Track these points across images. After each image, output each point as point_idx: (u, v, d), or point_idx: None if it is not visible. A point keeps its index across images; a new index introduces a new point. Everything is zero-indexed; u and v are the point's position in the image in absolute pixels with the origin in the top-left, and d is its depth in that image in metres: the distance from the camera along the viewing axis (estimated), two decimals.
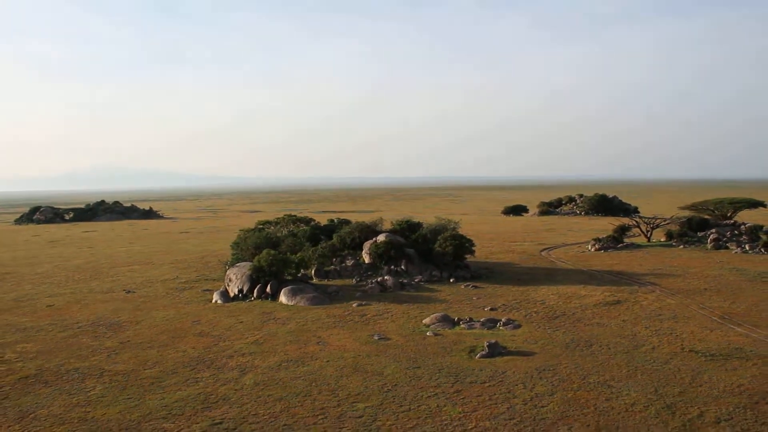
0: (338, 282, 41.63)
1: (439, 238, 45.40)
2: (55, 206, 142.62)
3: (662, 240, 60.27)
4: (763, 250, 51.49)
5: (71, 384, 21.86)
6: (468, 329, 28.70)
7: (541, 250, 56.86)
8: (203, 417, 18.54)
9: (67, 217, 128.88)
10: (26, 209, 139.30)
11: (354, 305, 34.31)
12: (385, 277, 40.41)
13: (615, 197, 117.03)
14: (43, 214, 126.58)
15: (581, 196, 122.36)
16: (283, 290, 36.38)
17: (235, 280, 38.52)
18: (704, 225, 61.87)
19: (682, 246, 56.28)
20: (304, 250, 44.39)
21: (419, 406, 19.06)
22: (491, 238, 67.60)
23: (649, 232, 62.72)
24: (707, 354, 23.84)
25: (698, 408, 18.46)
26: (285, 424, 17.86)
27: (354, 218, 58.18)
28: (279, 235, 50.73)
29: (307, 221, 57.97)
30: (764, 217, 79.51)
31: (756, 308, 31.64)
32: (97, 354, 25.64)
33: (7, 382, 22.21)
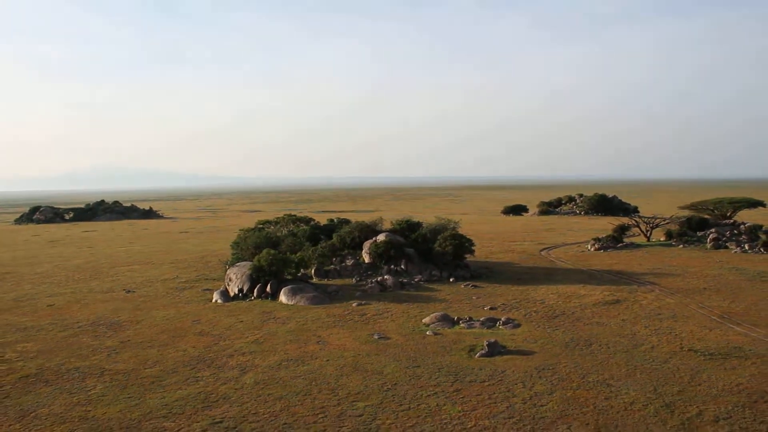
0: (338, 281, 41.69)
1: (438, 237, 45.46)
2: (55, 206, 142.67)
3: (662, 239, 60.33)
4: (762, 249, 51.55)
5: (72, 383, 21.91)
6: (467, 328, 28.76)
7: (541, 250, 56.92)
8: (203, 416, 18.60)
9: (66, 216, 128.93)
10: (26, 209, 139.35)
11: (354, 305, 34.36)
12: (385, 277, 40.47)
13: (615, 197, 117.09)
14: (42, 213, 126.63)
15: (581, 195, 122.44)
16: (283, 290, 36.43)
17: (235, 279, 38.57)
18: (704, 224, 61.93)
19: (681, 245, 56.33)
20: (304, 249, 44.45)
21: (419, 405, 19.11)
22: (491, 238, 67.66)
23: (649, 232, 62.79)
24: (706, 353, 23.90)
25: (697, 407, 18.51)
26: (285, 423, 17.91)
27: (354, 218, 58.24)
28: (279, 234, 50.77)
29: (306, 221, 58.03)
30: (764, 216, 79.58)
31: (755, 307, 31.70)
32: (98, 353, 25.69)
33: (8, 381, 22.26)
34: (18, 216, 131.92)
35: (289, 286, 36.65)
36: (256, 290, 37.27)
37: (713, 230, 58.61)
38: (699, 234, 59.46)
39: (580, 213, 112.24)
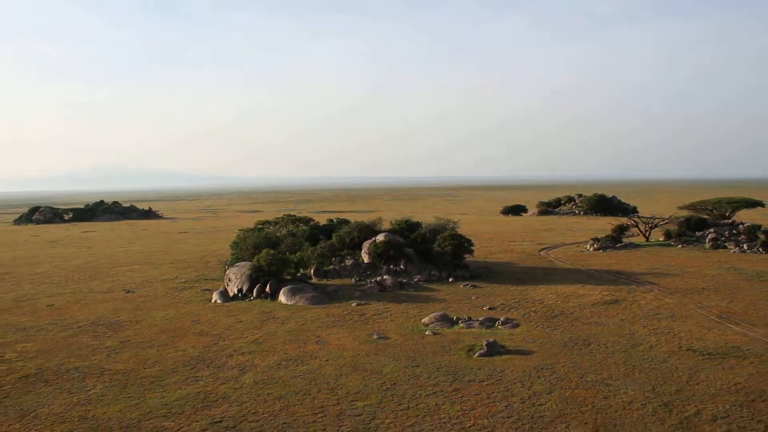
0: (337, 281, 41.74)
1: (438, 237, 45.53)
2: (55, 207, 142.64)
3: (661, 240, 60.41)
4: (761, 249, 51.63)
5: (71, 383, 21.96)
6: (467, 328, 28.81)
7: (540, 250, 56.99)
8: (203, 415, 18.65)
9: (66, 217, 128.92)
10: (25, 209, 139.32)
11: (353, 305, 34.42)
12: (384, 277, 40.53)
13: (614, 197, 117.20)
14: (42, 214, 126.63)
15: (580, 196, 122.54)
16: (282, 290, 36.48)
17: (235, 279, 38.62)
18: (702, 225, 62.02)
19: (680, 245, 56.41)
20: (304, 249, 44.51)
21: (418, 404, 19.17)
22: (490, 238, 67.72)
23: (648, 232, 62.87)
24: (704, 353, 23.96)
25: (695, 406, 18.58)
26: (284, 423, 17.96)
27: (353, 218, 58.28)
28: (278, 234, 50.83)
29: (306, 221, 58.07)
30: (762, 216, 79.72)
31: (753, 307, 31.77)
32: (97, 353, 25.74)
33: (8, 381, 22.31)
34: (17, 216, 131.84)
35: (288, 286, 36.70)
36: (255, 290, 37.32)
37: (712, 230, 58.69)
38: (698, 234, 59.55)
39: (579, 213, 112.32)
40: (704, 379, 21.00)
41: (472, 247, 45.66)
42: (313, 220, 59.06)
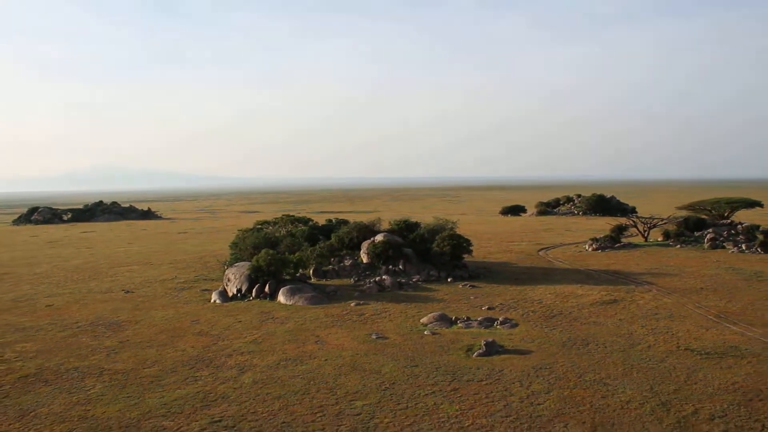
0: (336, 282, 41.79)
1: (436, 238, 45.58)
2: (54, 207, 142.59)
3: (659, 240, 60.49)
4: (759, 249, 51.73)
5: (71, 383, 22.00)
6: (465, 328, 28.88)
7: (539, 250, 57.07)
8: (202, 415, 18.70)
9: (65, 217, 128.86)
10: (24, 210, 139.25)
11: (352, 305, 34.47)
12: (383, 277, 40.59)
13: (613, 197, 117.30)
14: (41, 214, 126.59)
15: (579, 196, 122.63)
16: (281, 290, 36.54)
17: (234, 279, 38.66)
18: (701, 225, 62.10)
19: (679, 246, 56.50)
20: (303, 250, 44.55)
21: (417, 404, 19.22)
22: (489, 238, 67.80)
23: (647, 232, 62.95)
24: (702, 352, 24.04)
25: (693, 405, 18.65)
26: (284, 422, 18.02)
27: (352, 218, 58.33)
28: (277, 235, 50.87)
29: (305, 221, 58.11)
30: (761, 217, 79.84)
31: (752, 307, 31.86)
32: (97, 353, 25.78)
33: (7, 381, 22.35)
34: (16, 217, 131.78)
35: (287, 287, 36.76)
36: (254, 290, 37.36)
37: (710, 230, 58.78)
38: (696, 234, 59.63)
39: (578, 213, 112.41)
40: (702, 378, 21.07)
41: (471, 248, 45.72)
42: (312, 221, 59.10)
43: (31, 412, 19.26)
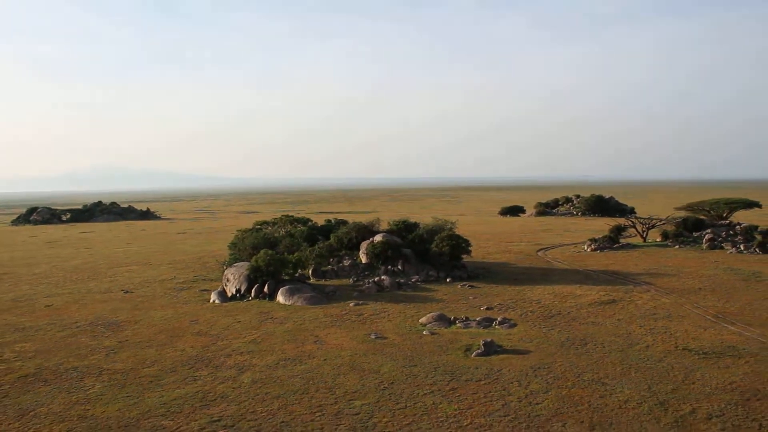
0: (335, 282, 41.84)
1: (435, 238, 45.63)
2: (53, 207, 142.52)
3: (658, 240, 60.59)
4: (757, 250, 51.84)
5: (70, 382, 22.04)
6: (464, 328, 28.94)
7: (538, 251, 57.14)
8: (202, 414, 18.75)
9: (64, 218, 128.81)
10: (23, 210, 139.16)
11: (351, 305, 34.53)
12: (382, 277, 40.65)
13: (611, 198, 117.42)
14: (39, 214, 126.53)
15: (578, 196, 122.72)
16: (280, 290, 36.58)
17: (233, 280, 38.70)
18: (700, 225, 62.20)
19: (677, 246, 56.60)
20: (302, 250, 44.60)
21: (415, 403, 19.28)
22: (488, 239, 67.87)
23: (645, 233, 63.02)
24: (700, 352, 24.11)
25: (690, 405, 18.71)
26: (283, 421, 18.06)
27: (351, 219, 58.40)
28: (276, 235, 50.93)
29: (304, 221, 58.19)
30: (760, 217, 80.00)
31: (749, 307, 31.94)
32: (96, 353, 25.82)
33: (7, 380, 22.38)
34: (15, 217, 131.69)
35: (286, 287, 36.80)
36: (253, 290, 37.40)
37: (709, 231, 58.89)
38: (695, 235, 59.73)
39: (576, 214, 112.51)
40: (700, 378, 21.14)
41: (470, 248, 45.78)
42: (311, 221, 59.17)
43: (30, 412, 19.30)
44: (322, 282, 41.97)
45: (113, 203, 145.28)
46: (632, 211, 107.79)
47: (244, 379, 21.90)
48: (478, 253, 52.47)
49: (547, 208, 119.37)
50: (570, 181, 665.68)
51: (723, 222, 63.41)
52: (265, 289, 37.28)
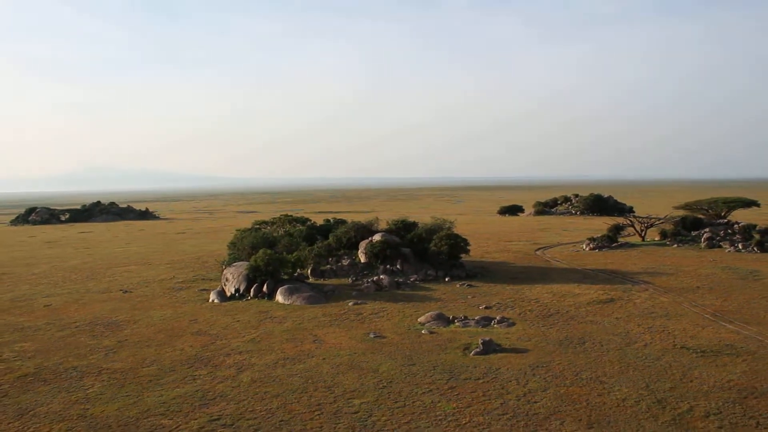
0: (334, 281, 41.88)
1: (434, 237, 45.68)
2: (52, 207, 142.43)
3: (656, 239, 60.68)
4: (755, 248, 51.94)
5: (70, 382, 22.08)
6: (463, 327, 28.99)
7: (536, 250, 57.21)
8: (201, 413, 18.79)
9: (62, 218, 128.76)
10: (22, 210, 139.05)
11: (350, 304, 34.57)
12: (381, 277, 40.69)
13: (610, 197, 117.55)
14: (38, 215, 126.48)
15: (577, 196, 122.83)
16: (279, 289, 36.62)
17: (232, 279, 38.73)
18: (698, 224, 62.31)
19: (675, 245, 56.69)
20: (301, 249, 44.63)
21: (414, 402, 19.33)
22: (487, 238, 67.93)
23: (644, 232, 63.12)
24: (698, 350, 24.18)
25: (688, 403, 18.78)
26: (282, 420, 18.11)
27: (350, 218, 58.44)
28: (275, 234, 50.96)
29: (303, 221, 58.22)
30: (758, 216, 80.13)
31: (747, 305, 32.03)
32: (95, 353, 25.85)
33: (6, 380, 22.41)
34: (14, 217, 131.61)
35: (285, 286, 36.84)
36: (252, 290, 37.44)
37: (707, 230, 58.99)
38: (693, 233, 59.83)
39: (575, 213, 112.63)
40: (698, 376, 21.21)
41: (469, 247, 45.84)
42: (310, 221, 59.20)
43: (30, 411, 19.33)
44: (321, 281, 42.02)
45: (112, 203, 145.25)
46: (631, 210, 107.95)
47: (243, 378, 21.95)
48: (477, 252, 52.53)
49: (545, 208, 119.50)
50: (569, 181, 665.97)
51: (721, 221, 63.51)
52: (264, 288, 37.31)
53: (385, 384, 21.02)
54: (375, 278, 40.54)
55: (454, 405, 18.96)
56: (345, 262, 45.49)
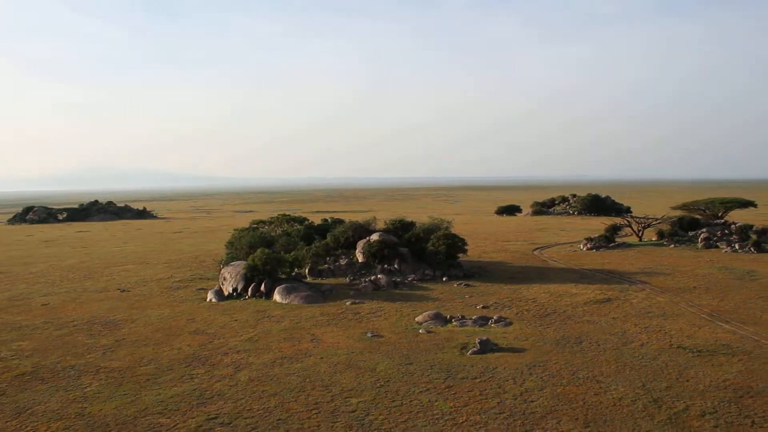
0: (332, 281, 41.92)
1: (432, 237, 45.74)
2: (49, 206, 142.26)
3: (653, 239, 60.82)
4: (752, 249, 52.08)
5: (67, 381, 22.09)
6: (460, 327, 29.06)
7: (534, 250, 57.30)
8: (198, 412, 18.82)
9: (60, 217, 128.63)
10: (19, 209, 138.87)
11: (347, 303, 34.62)
12: (379, 276, 40.74)
13: (608, 197, 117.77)
14: (36, 214, 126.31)
15: (574, 196, 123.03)
16: (277, 289, 36.65)
17: (230, 278, 38.75)
18: (695, 224, 62.47)
19: (672, 245, 56.82)
20: (298, 249, 44.65)
21: (411, 401, 19.39)
22: (484, 238, 68.01)
23: (641, 232, 63.26)
24: (695, 350, 24.27)
25: (684, 402, 18.86)
26: (279, 419, 18.16)
27: (347, 218, 58.49)
28: (273, 234, 50.97)
29: (300, 221, 58.25)
30: (755, 216, 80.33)
31: (744, 306, 32.14)
32: (93, 351, 25.86)
33: (4, 379, 22.42)
34: (11, 216, 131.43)
35: (283, 285, 36.88)
36: (250, 289, 37.46)
37: (704, 230, 59.14)
38: (690, 234, 59.98)
39: (573, 213, 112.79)
40: (694, 375, 21.30)
41: (466, 247, 45.91)
42: (308, 220, 59.22)
43: (27, 410, 19.35)
44: (319, 281, 42.06)
45: (109, 202, 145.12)
46: (628, 210, 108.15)
47: (241, 377, 21.98)
48: (475, 252, 52.60)
49: (543, 208, 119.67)
50: (568, 181, 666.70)
51: (718, 221, 63.69)
52: (262, 287, 37.34)
53: (382, 383, 21.07)
54: (372, 278, 40.58)
55: (451, 404, 19.02)
56: (342, 261, 45.54)
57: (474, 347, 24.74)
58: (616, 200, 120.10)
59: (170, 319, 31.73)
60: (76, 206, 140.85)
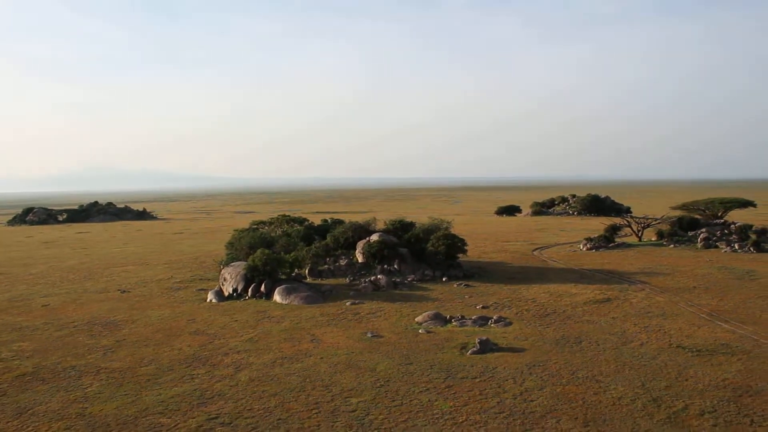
0: (332, 281, 41.97)
1: (431, 237, 45.79)
2: (49, 207, 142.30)
3: (653, 239, 60.87)
4: (752, 248, 52.13)
5: (68, 381, 22.14)
6: (460, 327, 29.11)
7: (533, 250, 57.35)
8: (199, 412, 18.88)
9: (60, 218, 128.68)
10: (19, 210, 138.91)
11: (347, 304, 34.67)
12: (378, 276, 40.78)
13: (607, 197, 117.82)
14: (36, 215, 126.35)
15: (574, 196, 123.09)
16: (277, 289, 36.70)
17: (230, 279, 38.80)
18: (695, 224, 62.52)
19: (672, 245, 56.87)
20: (298, 249, 44.69)
21: (411, 400, 19.44)
22: (484, 238, 68.06)
23: (640, 232, 63.32)
24: (694, 350, 24.32)
25: (683, 401, 18.91)
26: (279, 419, 18.21)
27: (347, 218, 58.53)
28: (273, 235, 51.03)
29: (300, 221, 58.31)
30: (754, 216, 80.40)
31: (743, 305, 32.19)
32: (94, 352, 25.91)
33: (5, 379, 22.47)
34: (11, 217, 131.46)
35: (283, 286, 36.93)
36: (250, 290, 37.51)
37: (704, 230, 59.19)
38: (690, 234, 60.03)
39: (572, 213, 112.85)
40: (693, 375, 21.35)
41: (466, 247, 45.96)
42: (308, 221, 59.28)
43: (28, 410, 19.40)
44: (319, 281, 42.11)
45: (109, 203, 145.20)
46: (628, 210, 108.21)
47: (241, 378, 22.03)
48: (474, 252, 52.65)
49: (543, 208, 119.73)
50: (568, 181, 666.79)
51: (718, 221, 63.73)
52: (262, 288, 37.39)
53: (382, 383, 21.12)
54: (372, 278, 40.63)
55: (451, 404, 19.07)
56: (342, 262, 45.59)
57: (474, 347, 24.79)
58: (616, 200, 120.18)
59: (171, 320, 31.78)
60: (76, 207, 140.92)
